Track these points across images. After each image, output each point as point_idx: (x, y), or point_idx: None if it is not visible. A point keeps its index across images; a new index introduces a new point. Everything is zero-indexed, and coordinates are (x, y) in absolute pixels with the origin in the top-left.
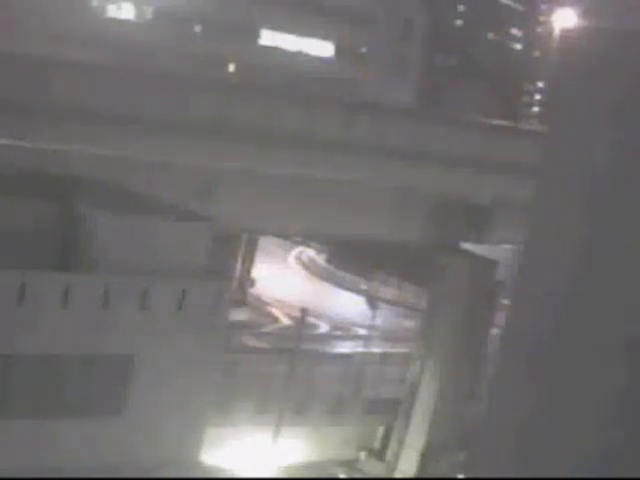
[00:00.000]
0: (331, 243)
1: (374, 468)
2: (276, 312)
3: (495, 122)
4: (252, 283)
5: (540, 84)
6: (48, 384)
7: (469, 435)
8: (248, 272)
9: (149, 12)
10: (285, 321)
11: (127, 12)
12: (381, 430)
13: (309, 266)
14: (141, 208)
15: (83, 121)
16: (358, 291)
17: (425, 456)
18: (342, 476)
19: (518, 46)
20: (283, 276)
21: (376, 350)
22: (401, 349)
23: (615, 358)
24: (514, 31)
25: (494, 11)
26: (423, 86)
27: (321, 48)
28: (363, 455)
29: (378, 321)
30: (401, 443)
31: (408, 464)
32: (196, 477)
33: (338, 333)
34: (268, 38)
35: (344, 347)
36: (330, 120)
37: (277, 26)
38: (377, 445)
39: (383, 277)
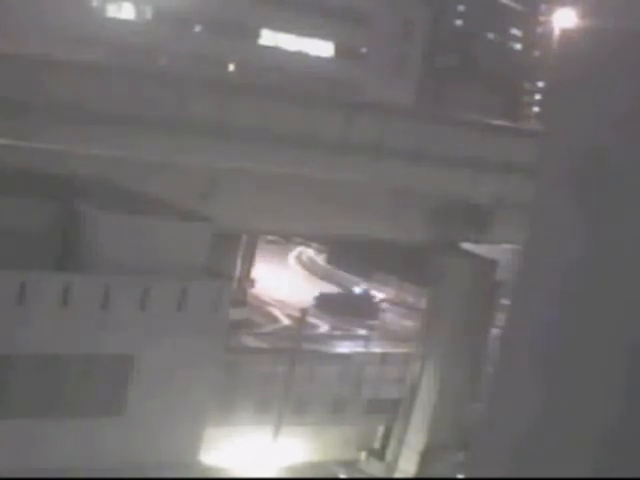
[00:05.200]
0: (331, 243)
1: (374, 468)
2: (276, 312)
3: (495, 122)
4: (252, 283)
5: (540, 84)
6: (48, 384)
7: (469, 435)
8: (248, 272)
9: (149, 12)
10: (285, 321)
11: (127, 12)
12: (381, 430)
13: (309, 266)
14: (141, 208)
15: (83, 121)
16: None
17: (425, 456)
18: (342, 476)
19: (518, 46)
20: (283, 276)
21: (376, 350)
22: (401, 349)
23: (616, 359)
24: (514, 31)
25: (494, 11)
26: (423, 86)
27: (321, 48)
28: (363, 455)
29: (378, 321)
30: (401, 443)
31: (408, 464)
32: (196, 477)
33: (338, 333)
34: (268, 38)
35: (344, 347)
36: (330, 120)
37: (277, 26)
38: (377, 445)
39: (383, 277)
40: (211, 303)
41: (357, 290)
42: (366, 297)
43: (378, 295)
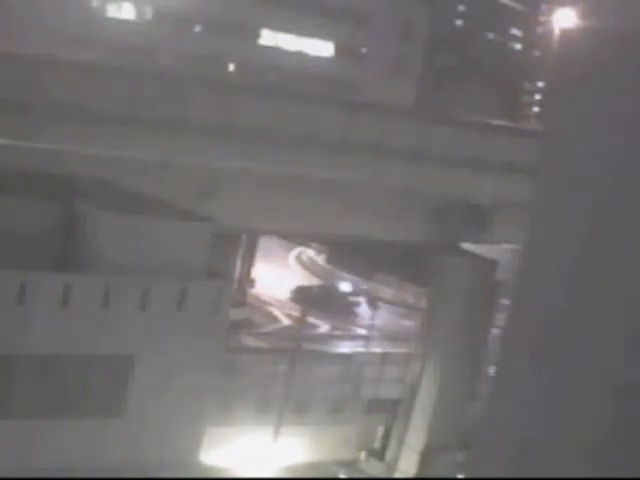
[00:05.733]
0: (331, 243)
1: (374, 468)
2: (276, 312)
3: (495, 122)
4: (252, 283)
5: (540, 84)
6: (48, 384)
7: (469, 435)
8: (248, 272)
9: (149, 12)
10: (285, 321)
11: (127, 12)
12: (381, 430)
13: (309, 266)
14: (141, 208)
15: (83, 121)
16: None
17: (425, 456)
18: (342, 476)
19: (518, 46)
20: (283, 276)
21: (376, 350)
22: (401, 349)
23: (616, 358)
24: (514, 31)
25: (494, 11)
26: (423, 86)
27: (321, 48)
28: (363, 455)
29: (378, 321)
30: (401, 443)
31: (408, 464)
32: (196, 477)
33: (338, 333)
34: (268, 38)
35: (344, 347)
36: (330, 120)
37: (277, 26)
38: (377, 445)
39: (383, 277)
40: (211, 303)
41: (343, 285)
42: (342, 293)
43: (350, 289)
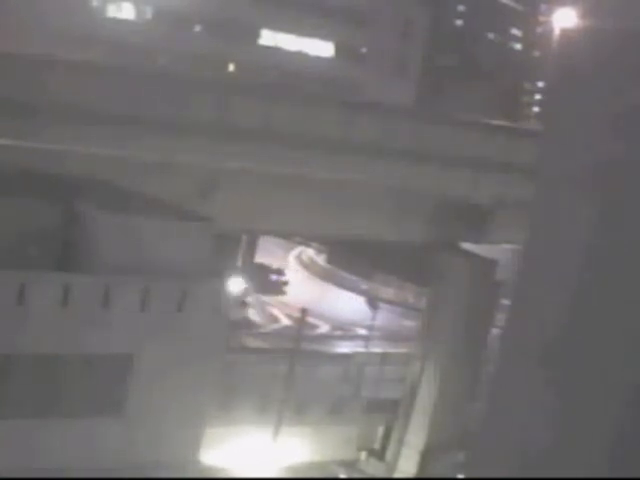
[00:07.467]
0: (331, 243)
1: (374, 468)
2: (276, 312)
3: (495, 122)
4: None
5: (540, 84)
6: (48, 384)
7: (469, 435)
8: None
9: (149, 12)
10: (285, 321)
11: (127, 12)
12: (381, 430)
13: (309, 266)
14: (141, 208)
15: (83, 121)
16: (358, 291)
17: (425, 456)
18: (342, 476)
19: (518, 46)
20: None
21: (376, 350)
22: (401, 349)
23: (616, 358)
24: (514, 31)
25: (494, 11)
26: (423, 86)
27: (321, 48)
28: (363, 455)
29: (378, 321)
30: (401, 443)
31: (408, 464)
32: (195, 477)
33: (338, 333)
34: (268, 38)
35: (344, 347)
36: (330, 120)
37: (277, 26)
38: (377, 445)
39: (383, 277)
40: (211, 303)
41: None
42: (267, 271)
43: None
